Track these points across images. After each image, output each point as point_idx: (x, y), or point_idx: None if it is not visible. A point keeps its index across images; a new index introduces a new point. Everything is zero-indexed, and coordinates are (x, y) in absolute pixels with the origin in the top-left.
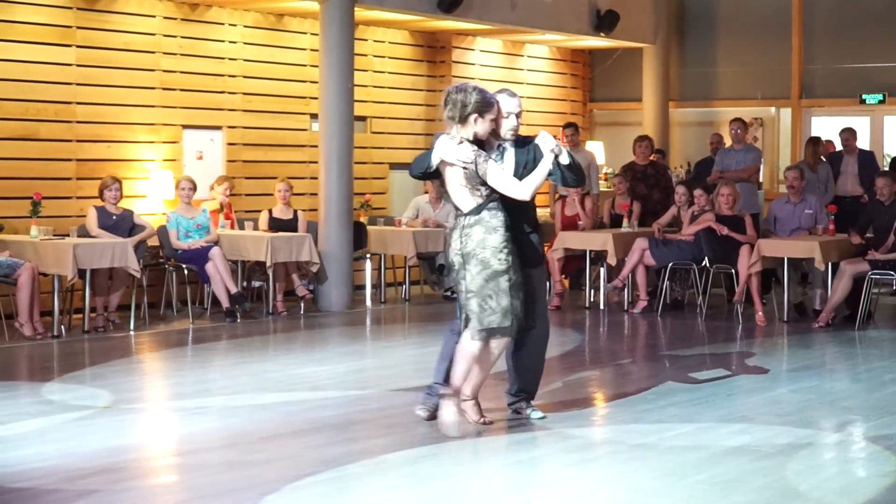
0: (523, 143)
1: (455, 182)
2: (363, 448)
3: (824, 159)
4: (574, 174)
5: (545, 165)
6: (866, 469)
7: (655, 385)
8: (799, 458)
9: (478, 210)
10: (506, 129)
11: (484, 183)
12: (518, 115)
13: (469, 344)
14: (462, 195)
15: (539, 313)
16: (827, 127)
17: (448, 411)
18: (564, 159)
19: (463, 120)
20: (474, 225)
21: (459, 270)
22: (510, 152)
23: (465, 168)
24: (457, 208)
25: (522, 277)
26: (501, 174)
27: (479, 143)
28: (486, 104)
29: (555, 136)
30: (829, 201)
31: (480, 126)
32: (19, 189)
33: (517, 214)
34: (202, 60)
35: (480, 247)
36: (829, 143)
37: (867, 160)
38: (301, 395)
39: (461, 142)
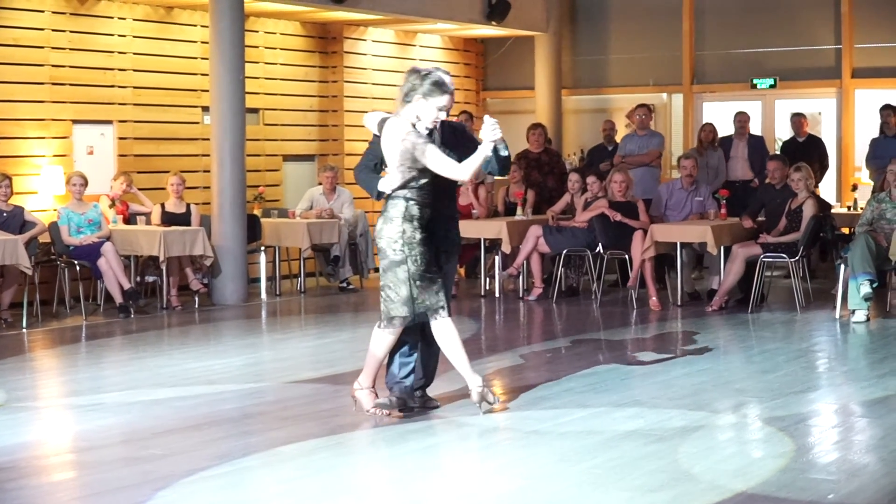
0: (453, 131)
1: (390, 165)
2: (258, 441)
3: (717, 145)
4: (505, 164)
5: (484, 150)
6: (760, 450)
7: (551, 371)
8: (692, 440)
9: (387, 198)
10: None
11: (413, 167)
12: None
13: (377, 333)
14: (387, 179)
15: None
16: (719, 112)
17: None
18: (503, 151)
19: (407, 100)
20: (381, 214)
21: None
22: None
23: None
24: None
25: (436, 267)
26: (440, 156)
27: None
28: (434, 88)
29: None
30: (719, 187)
31: (423, 109)
32: None
33: (445, 202)
34: (92, 54)
35: (379, 236)
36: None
37: (757, 144)
38: (196, 390)
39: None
